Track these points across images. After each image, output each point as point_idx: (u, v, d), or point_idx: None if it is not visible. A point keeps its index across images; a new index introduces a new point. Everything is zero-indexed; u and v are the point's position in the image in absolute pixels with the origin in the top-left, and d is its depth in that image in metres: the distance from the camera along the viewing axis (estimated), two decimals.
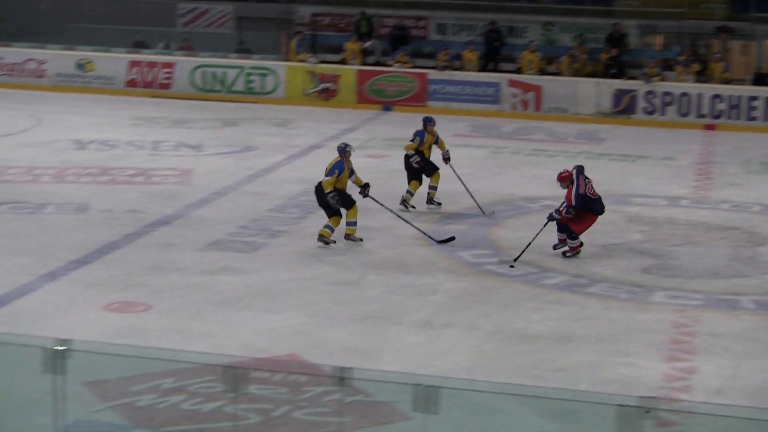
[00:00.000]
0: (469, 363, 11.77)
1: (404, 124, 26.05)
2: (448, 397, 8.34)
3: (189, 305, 13.26)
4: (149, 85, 29.73)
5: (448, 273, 14.78)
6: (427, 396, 8.20)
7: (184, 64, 29.75)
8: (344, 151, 15.86)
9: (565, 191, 15.52)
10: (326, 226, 15.78)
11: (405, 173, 18.04)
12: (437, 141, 18.13)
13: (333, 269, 14.84)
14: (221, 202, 18.04)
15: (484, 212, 17.68)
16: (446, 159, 18.13)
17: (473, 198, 17.90)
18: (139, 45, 31.29)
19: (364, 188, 16.06)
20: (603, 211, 15.75)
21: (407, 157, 17.95)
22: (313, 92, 28.79)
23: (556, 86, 27.84)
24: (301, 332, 12.52)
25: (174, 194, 18.48)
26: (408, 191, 17.92)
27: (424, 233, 16.15)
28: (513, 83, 28.02)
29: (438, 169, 18.05)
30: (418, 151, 17.92)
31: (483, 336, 12.59)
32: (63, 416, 8.95)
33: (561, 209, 15.36)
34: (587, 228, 15.63)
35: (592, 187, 15.61)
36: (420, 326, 12.83)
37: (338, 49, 30.33)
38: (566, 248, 15.61)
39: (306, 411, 9.58)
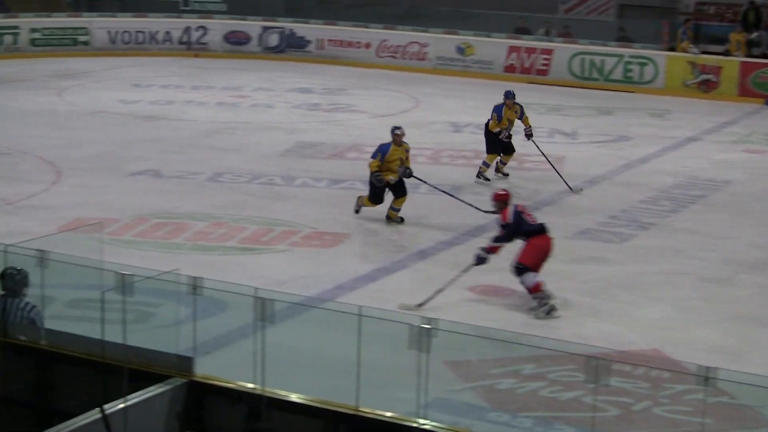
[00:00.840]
0: None
1: None
2: None
3: (554, 292, 13.23)
4: (527, 70, 29.93)
5: None
6: None
7: (562, 51, 29.77)
8: (392, 133, 15.87)
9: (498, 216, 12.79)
10: (391, 208, 15.91)
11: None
12: (522, 117, 18.19)
13: (703, 265, 14.46)
14: (592, 191, 17.93)
15: (572, 189, 17.62)
16: (528, 135, 18.24)
17: (560, 175, 17.83)
18: (521, 31, 31.53)
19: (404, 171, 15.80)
20: (546, 231, 12.58)
21: (491, 132, 18.16)
22: (693, 83, 28.16)
23: None
24: (666, 327, 12.27)
25: (546, 180, 18.51)
26: (484, 162, 18.31)
27: (472, 205, 15.99)
28: None
29: (514, 150, 18.47)
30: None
31: None
32: (424, 393, 9.13)
33: (489, 245, 12.65)
34: (542, 261, 12.54)
35: (530, 214, 12.81)
36: None
37: (722, 40, 29.47)
38: (538, 304, 12.39)
39: (666, 408, 9.41)
